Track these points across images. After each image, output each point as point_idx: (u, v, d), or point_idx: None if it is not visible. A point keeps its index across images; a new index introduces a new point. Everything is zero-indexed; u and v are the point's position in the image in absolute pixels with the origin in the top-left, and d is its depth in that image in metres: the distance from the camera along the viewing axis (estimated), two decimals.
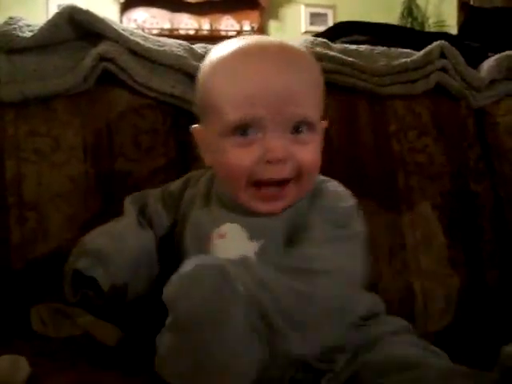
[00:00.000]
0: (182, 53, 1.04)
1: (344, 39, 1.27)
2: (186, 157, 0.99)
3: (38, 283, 0.89)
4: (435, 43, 1.14)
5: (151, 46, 1.01)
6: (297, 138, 0.73)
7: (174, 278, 0.60)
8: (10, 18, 1.04)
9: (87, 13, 1.00)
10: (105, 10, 5.20)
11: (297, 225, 0.74)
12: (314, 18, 5.44)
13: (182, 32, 5.28)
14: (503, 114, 1.19)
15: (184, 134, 0.98)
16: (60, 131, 0.94)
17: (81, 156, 0.93)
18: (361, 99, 1.10)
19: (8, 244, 0.89)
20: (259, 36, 0.80)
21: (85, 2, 5.34)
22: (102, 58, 0.96)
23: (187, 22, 5.33)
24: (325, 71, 1.05)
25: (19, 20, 1.04)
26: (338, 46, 1.15)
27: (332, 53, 1.07)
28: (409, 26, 5.26)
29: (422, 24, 5.25)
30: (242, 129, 0.72)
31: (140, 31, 1.09)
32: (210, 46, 1.11)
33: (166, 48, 1.03)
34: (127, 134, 0.96)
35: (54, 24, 0.99)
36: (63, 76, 0.96)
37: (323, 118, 0.79)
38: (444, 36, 1.31)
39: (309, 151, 0.74)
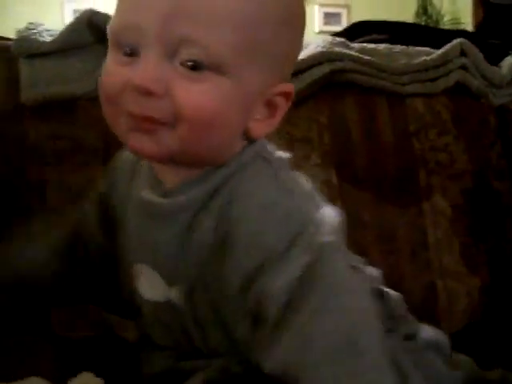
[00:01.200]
0: None
1: (362, 39, 1.27)
2: None
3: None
4: (455, 41, 1.13)
5: None
6: (189, 72, 0.54)
7: None
8: (30, 23, 1.05)
9: (106, 16, 1.00)
10: None
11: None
12: (328, 17, 5.44)
13: None
14: None
15: None
16: (81, 134, 0.94)
17: (102, 158, 0.94)
18: (380, 98, 1.10)
19: None
20: None
21: (102, 7, 5.39)
22: None
23: None
24: (345, 71, 1.06)
25: (39, 25, 1.05)
26: (356, 45, 1.15)
27: (351, 52, 1.07)
28: (423, 24, 5.25)
29: (437, 22, 5.24)
30: (124, 44, 0.56)
31: None
32: None
33: None
34: None
35: (73, 28, 1.00)
36: (87, 79, 0.97)
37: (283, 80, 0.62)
38: (462, 34, 1.30)
39: (197, 91, 0.54)
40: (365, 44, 1.17)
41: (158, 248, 0.62)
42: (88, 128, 0.95)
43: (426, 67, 1.12)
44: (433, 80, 1.12)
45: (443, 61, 1.12)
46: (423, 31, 1.44)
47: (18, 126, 0.94)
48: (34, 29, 1.02)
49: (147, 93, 0.54)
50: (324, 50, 1.06)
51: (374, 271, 0.75)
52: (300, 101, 1.04)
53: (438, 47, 1.18)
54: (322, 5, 5.41)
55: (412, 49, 1.17)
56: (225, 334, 0.61)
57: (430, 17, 5.29)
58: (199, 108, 0.54)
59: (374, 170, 1.06)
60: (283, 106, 0.61)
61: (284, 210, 0.56)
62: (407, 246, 1.04)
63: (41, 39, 0.99)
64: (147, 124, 0.55)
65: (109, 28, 0.59)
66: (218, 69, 0.54)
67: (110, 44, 0.59)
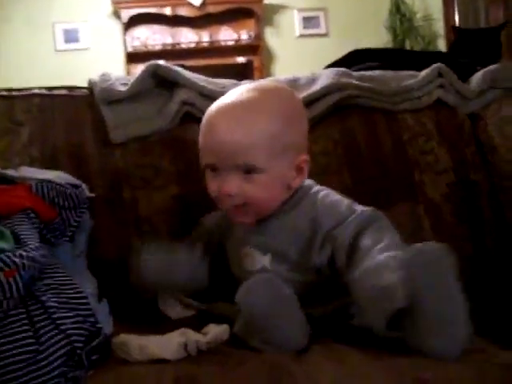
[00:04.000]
0: None
1: (358, 66, 1.57)
2: None
3: None
4: (433, 66, 1.44)
5: (216, 89, 1.31)
6: (245, 177, 0.97)
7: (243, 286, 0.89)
8: (103, 74, 1.34)
9: (166, 67, 1.30)
10: (109, 30, 5.49)
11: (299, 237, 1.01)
12: (307, 21, 5.72)
13: (183, 46, 5.56)
14: (491, 116, 1.48)
15: None
16: (159, 162, 1.24)
17: (176, 180, 1.23)
18: (379, 115, 1.40)
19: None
20: (238, 91, 1.04)
21: (90, 25, 5.62)
22: (184, 103, 1.26)
23: (187, 36, 5.60)
24: (350, 97, 1.36)
25: (110, 74, 1.34)
26: (356, 73, 1.45)
27: (355, 82, 1.37)
28: (398, 22, 5.54)
29: (411, 19, 5.52)
30: (210, 168, 1.00)
31: (202, 76, 1.38)
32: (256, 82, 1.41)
33: (227, 89, 1.32)
34: None
35: (142, 78, 1.29)
36: (155, 119, 1.26)
37: (301, 152, 1.02)
38: (438, 55, 1.61)
39: (253, 188, 0.97)
40: (362, 72, 1.47)
41: (265, 235, 1.03)
42: (162, 157, 1.24)
43: (412, 88, 1.42)
44: (418, 98, 1.43)
45: (425, 82, 1.43)
46: (407, 55, 1.74)
47: (110, 158, 1.23)
48: (109, 79, 1.31)
49: (229, 196, 0.98)
50: (334, 81, 1.36)
51: None
52: (317, 122, 1.34)
53: (421, 67, 1.49)
54: (300, 9, 5.69)
55: (400, 73, 1.48)
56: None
57: (403, 15, 5.56)
58: (259, 197, 0.98)
59: (378, 171, 1.36)
60: (305, 167, 1.03)
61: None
62: (407, 230, 1.33)
63: (118, 89, 1.28)
64: (236, 208, 1.00)
65: (201, 161, 1.03)
66: (258, 171, 0.97)
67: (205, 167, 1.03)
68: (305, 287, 0.98)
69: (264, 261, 1.02)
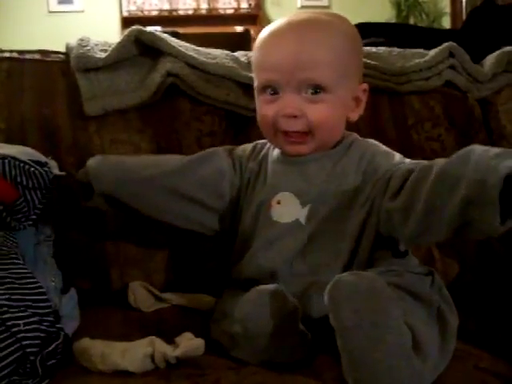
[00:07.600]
0: (230, 63, 1.21)
1: (364, 41, 1.44)
2: None
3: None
4: (444, 44, 1.32)
5: (205, 60, 1.19)
6: (311, 97, 0.89)
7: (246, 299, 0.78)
8: (81, 39, 1.21)
9: (151, 33, 1.17)
10: None
11: (342, 189, 0.90)
12: None
13: (181, 12, 5.41)
14: (503, 103, 1.37)
15: (237, 133, 1.17)
16: (138, 138, 1.12)
17: None
18: (382, 97, 1.28)
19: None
20: (302, 13, 0.96)
21: None
22: (169, 74, 1.14)
23: (185, 2, 5.45)
24: None
25: (89, 40, 1.21)
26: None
27: None
28: None
29: None
30: (268, 88, 0.91)
31: (191, 45, 1.25)
32: (250, 54, 1.28)
33: (218, 60, 1.20)
34: (192, 137, 1.14)
35: (123, 45, 1.16)
36: (136, 90, 1.13)
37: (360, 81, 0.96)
38: (449, 33, 1.48)
39: (319, 110, 0.89)
40: (367, 48, 1.34)
41: (306, 179, 0.92)
42: (142, 134, 1.12)
43: (420, 68, 1.30)
44: (426, 79, 1.31)
45: (435, 62, 1.31)
46: (415, 32, 1.61)
47: (84, 133, 1.11)
48: (87, 45, 1.18)
49: (293, 116, 0.89)
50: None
51: None
52: None
53: (429, 46, 1.36)
54: None
55: (408, 51, 1.35)
56: (330, 248, 0.88)
57: None
58: (323, 119, 0.89)
59: None
60: (364, 98, 0.97)
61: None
62: None
63: (96, 55, 1.15)
64: (297, 136, 0.91)
65: (257, 82, 0.94)
66: (325, 90, 0.89)
67: (257, 91, 0.94)
68: (332, 254, 0.88)
69: (300, 214, 0.90)
